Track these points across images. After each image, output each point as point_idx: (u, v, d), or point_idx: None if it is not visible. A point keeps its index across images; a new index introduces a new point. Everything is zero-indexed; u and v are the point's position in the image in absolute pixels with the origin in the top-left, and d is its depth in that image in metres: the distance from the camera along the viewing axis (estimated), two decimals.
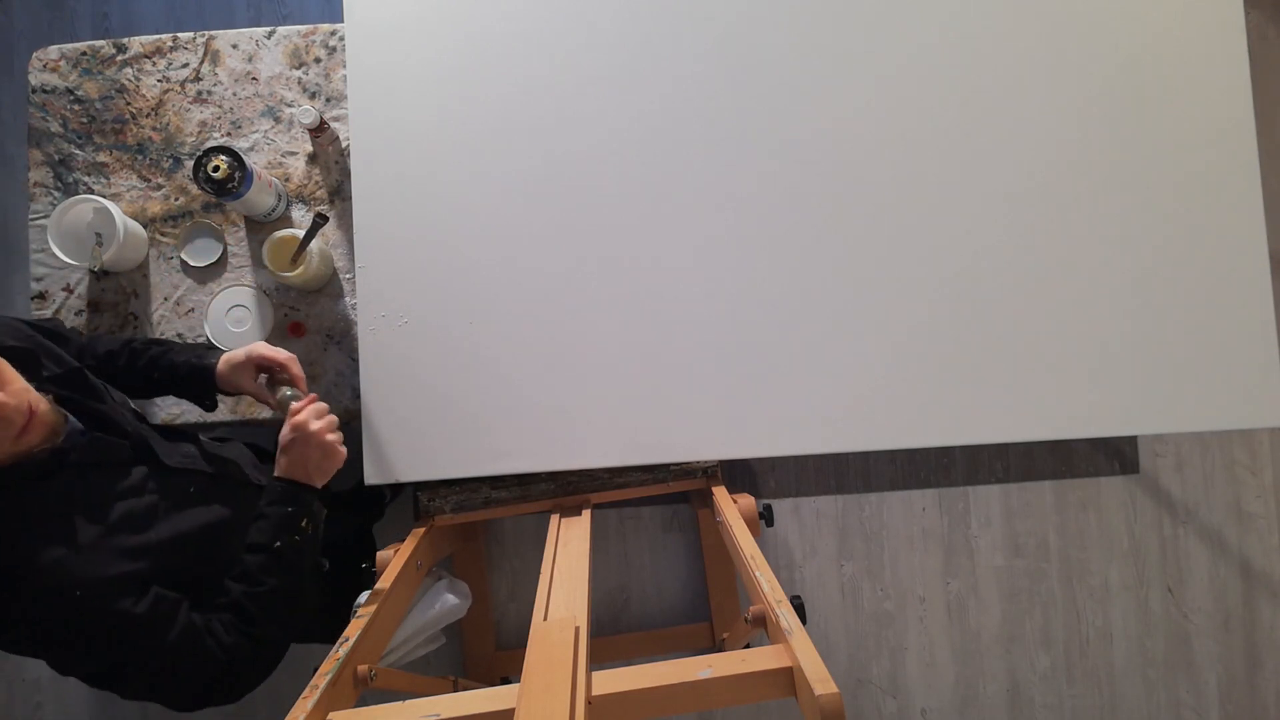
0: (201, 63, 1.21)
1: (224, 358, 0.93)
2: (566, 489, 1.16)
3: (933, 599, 1.76)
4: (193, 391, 0.96)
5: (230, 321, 1.16)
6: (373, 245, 1.08)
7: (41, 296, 1.16)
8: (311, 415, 0.85)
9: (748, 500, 1.11)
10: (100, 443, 0.78)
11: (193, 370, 0.93)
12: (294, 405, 0.86)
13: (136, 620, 0.72)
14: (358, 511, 1.36)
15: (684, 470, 1.19)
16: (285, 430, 0.84)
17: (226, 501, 0.88)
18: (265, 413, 1.16)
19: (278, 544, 0.81)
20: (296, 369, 0.91)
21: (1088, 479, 1.80)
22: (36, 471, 0.72)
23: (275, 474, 0.85)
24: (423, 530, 1.09)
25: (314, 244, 1.06)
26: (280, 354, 0.91)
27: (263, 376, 0.92)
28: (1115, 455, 1.81)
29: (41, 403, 0.72)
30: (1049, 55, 1.11)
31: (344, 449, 0.88)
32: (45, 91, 1.19)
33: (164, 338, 1.15)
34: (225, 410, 1.16)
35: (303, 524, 0.83)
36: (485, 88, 1.10)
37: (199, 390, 0.95)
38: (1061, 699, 1.75)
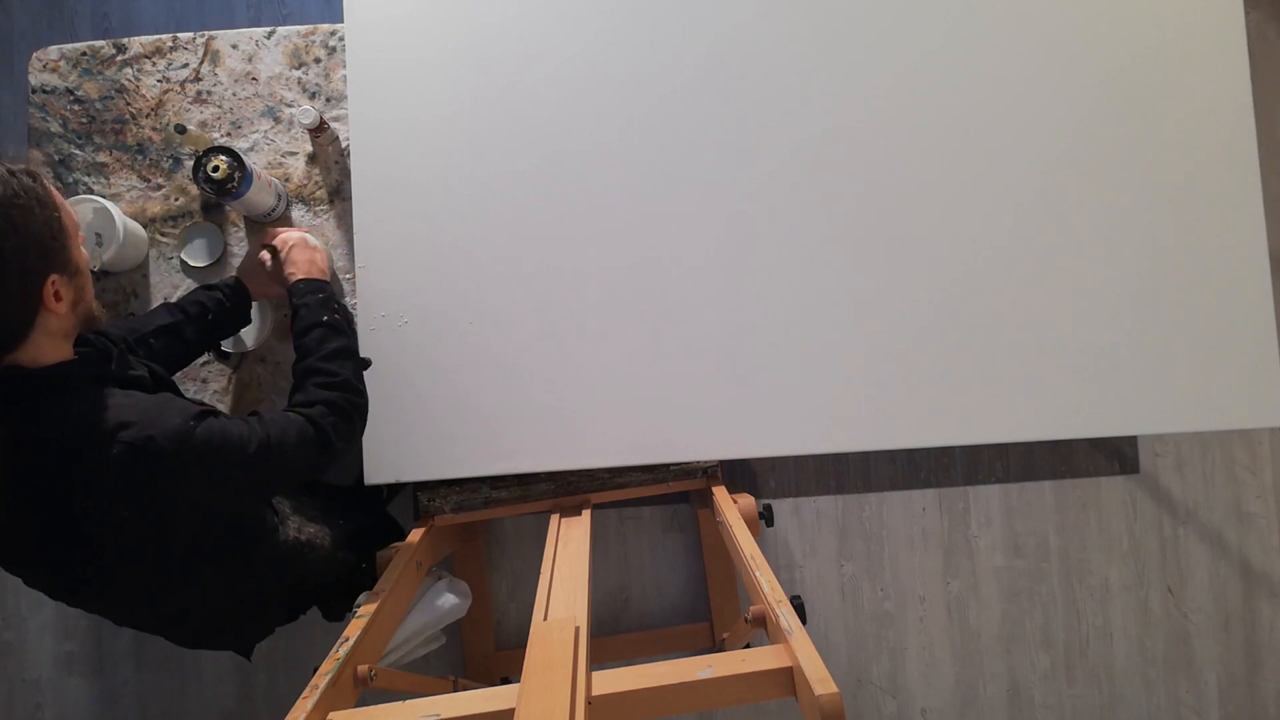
0: (201, 63, 1.21)
1: (237, 272, 1.08)
2: (566, 489, 1.16)
3: (933, 599, 1.76)
4: (233, 317, 1.06)
5: None
6: (373, 245, 1.08)
7: None
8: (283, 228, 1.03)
9: (748, 500, 1.11)
10: (125, 359, 0.84)
11: (229, 291, 1.05)
12: (273, 233, 1.04)
13: (232, 426, 0.77)
14: (357, 510, 1.36)
15: (684, 470, 1.19)
16: (270, 251, 1.02)
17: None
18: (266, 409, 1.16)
19: (326, 319, 0.92)
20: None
21: (1088, 479, 1.80)
22: (103, 359, 0.78)
23: (292, 280, 0.97)
24: (423, 530, 1.09)
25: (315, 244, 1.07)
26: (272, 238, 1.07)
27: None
28: (1115, 455, 1.81)
29: None
30: (1050, 57, 1.11)
31: (321, 246, 1.05)
32: (45, 91, 1.19)
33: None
34: (224, 410, 1.16)
35: (336, 305, 0.96)
36: (486, 87, 1.10)
37: (236, 312, 1.06)
38: (1061, 699, 1.75)
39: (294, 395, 0.87)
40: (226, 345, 1.13)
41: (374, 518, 1.28)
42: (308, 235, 1.07)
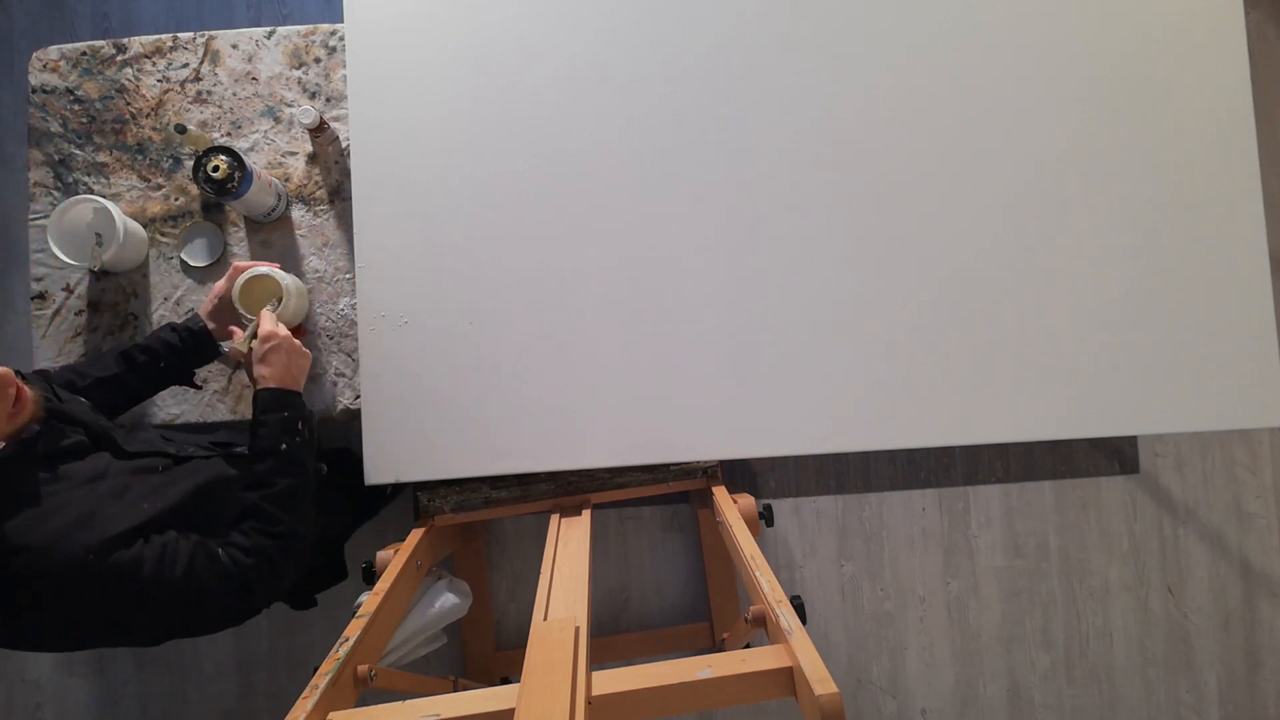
0: (201, 63, 1.21)
1: (199, 313, 1.02)
2: (566, 489, 1.16)
3: (933, 599, 1.76)
4: (193, 358, 1.02)
5: None
6: (373, 245, 1.08)
7: (41, 297, 1.16)
8: (273, 323, 0.93)
9: (748, 500, 1.11)
10: (56, 430, 0.78)
11: (188, 334, 1.00)
12: (261, 319, 0.94)
13: (146, 563, 0.72)
14: (358, 508, 1.36)
15: (684, 470, 1.19)
16: (257, 345, 0.91)
17: (198, 471, 0.89)
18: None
19: (284, 446, 0.86)
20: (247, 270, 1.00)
21: (1088, 479, 1.80)
22: (24, 454, 0.71)
23: (260, 386, 0.90)
24: (423, 530, 1.09)
25: (288, 281, 1.02)
26: (226, 281, 1.00)
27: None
28: (1115, 455, 1.81)
29: (24, 385, 0.73)
30: (1048, 55, 1.11)
31: (308, 350, 0.95)
32: (45, 91, 1.19)
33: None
34: (225, 410, 1.16)
35: (299, 426, 0.89)
36: (486, 87, 1.10)
37: (198, 352, 1.01)
38: (1061, 699, 1.75)
39: (232, 530, 0.82)
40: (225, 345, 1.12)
41: (347, 524, 1.28)
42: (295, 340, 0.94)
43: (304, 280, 1.15)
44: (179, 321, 1.02)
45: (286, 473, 0.85)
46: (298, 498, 0.85)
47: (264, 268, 1.01)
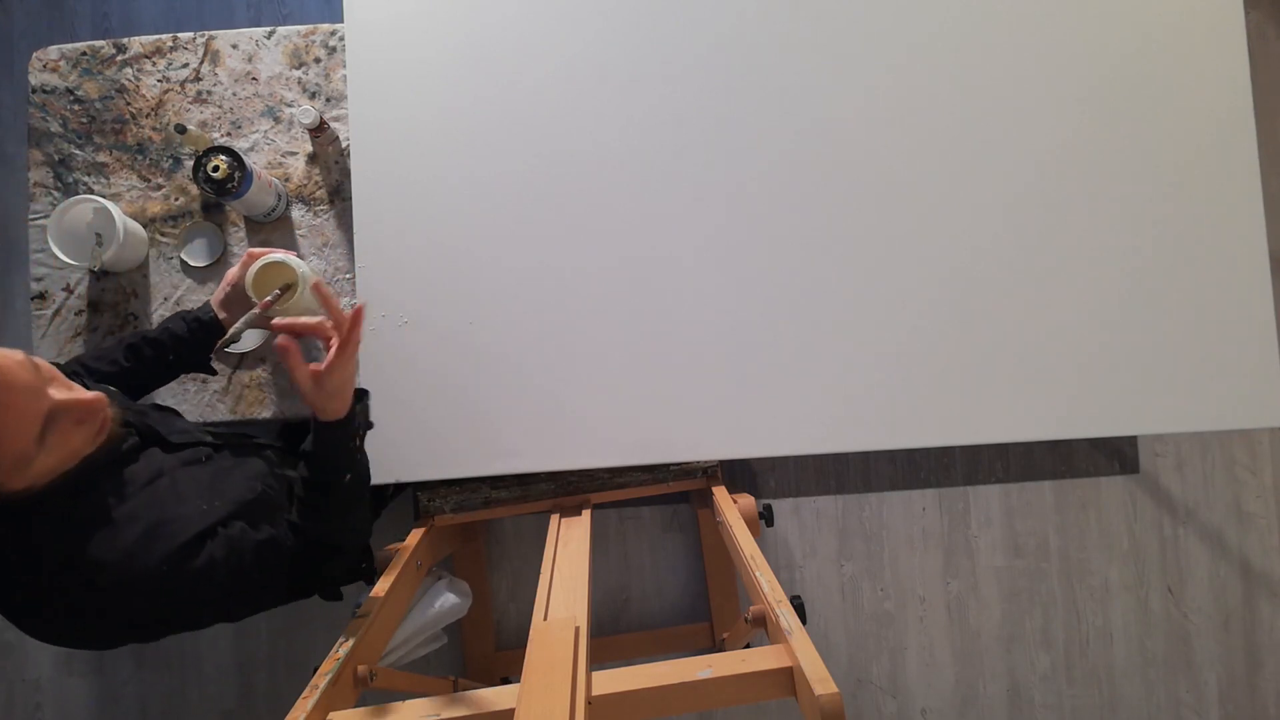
0: (201, 63, 1.21)
1: (211, 302, 0.99)
2: (566, 489, 1.17)
3: (933, 599, 1.76)
4: (202, 350, 0.99)
5: None
6: (373, 245, 1.08)
7: (41, 296, 1.16)
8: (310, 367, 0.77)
9: (748, 500, 1.11)
10: (115, 437, 0.78)
11: (196, 324, 0.98)
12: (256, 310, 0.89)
13: (219, 564, 0.75)
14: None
15: (684, 470, 1.19)
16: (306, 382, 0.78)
17: (245, 463, 0.90)
18: (265, 411, 1.16)
19: (332, 479, 0.83)
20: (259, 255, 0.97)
21: (1088, 479, 1.80)
22: (93, 468, 0.74)
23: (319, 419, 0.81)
24: (423, 530, 1.09)
25: (304, 269, 0.98)
26: (239, 268, 0.97)
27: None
28: (1115, 455, 1.81)
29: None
30: (1048, 55, 1.11)
31: (343, 356, 0.77)
32: (45, 91, 1.19)
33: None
34: (225, 410, 1.16)
35: (353, 443, 0.84)
36: (486, 87, 1.10)
37: (208, 343, 0.99)
38: (1061, 699, 1.75)
39: (292, 530, 0.84)
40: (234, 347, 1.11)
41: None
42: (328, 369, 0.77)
43: None
44: (190, 311, 1.00)
45: (311, 511, 0.84)
46: (347, 511, 0.86)
47: (279, 254, 0.97)
